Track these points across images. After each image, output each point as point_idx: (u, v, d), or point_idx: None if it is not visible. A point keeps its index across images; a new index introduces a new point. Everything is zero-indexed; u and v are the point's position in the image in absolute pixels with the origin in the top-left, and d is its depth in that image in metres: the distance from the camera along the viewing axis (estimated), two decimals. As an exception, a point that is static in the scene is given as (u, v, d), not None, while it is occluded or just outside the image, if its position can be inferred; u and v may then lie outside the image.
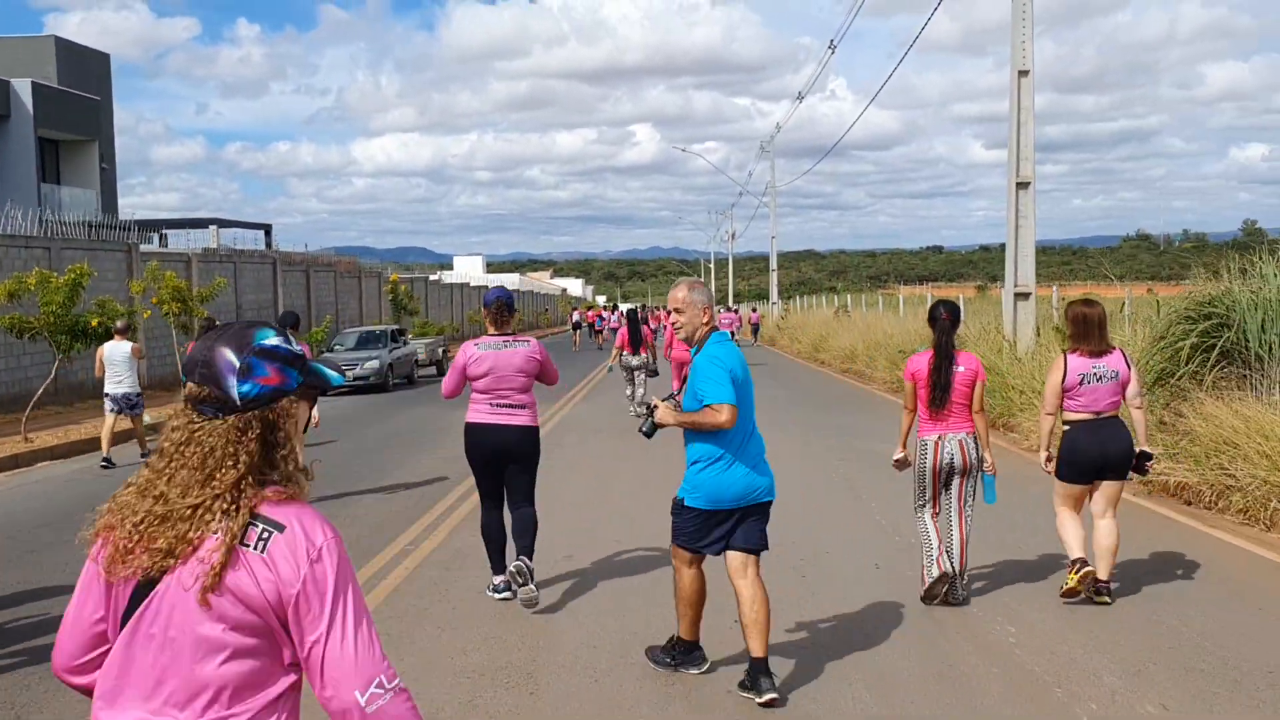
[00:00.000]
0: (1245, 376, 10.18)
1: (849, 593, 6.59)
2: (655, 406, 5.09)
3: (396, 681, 1.83)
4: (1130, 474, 6.56)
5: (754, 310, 52.14)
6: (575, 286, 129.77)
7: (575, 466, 11.88)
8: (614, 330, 35.47)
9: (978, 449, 6.30)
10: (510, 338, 6.53)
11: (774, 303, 54.84)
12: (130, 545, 1.79)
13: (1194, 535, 8.10)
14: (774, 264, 55.37)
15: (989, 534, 7.90)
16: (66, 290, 15.07)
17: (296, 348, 1.93)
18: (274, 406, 1.87)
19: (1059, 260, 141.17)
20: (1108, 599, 6.28)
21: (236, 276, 27.39)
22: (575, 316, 47.05)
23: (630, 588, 6.77)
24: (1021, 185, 16.09)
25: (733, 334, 30.89)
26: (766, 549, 5.08)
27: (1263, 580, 6.93)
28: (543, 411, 16.61)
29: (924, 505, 6.39)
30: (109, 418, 12.96)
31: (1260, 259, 10.93)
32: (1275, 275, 10.66)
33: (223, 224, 40.57)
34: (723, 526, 4.97)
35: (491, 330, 6.56)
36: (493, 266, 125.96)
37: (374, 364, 23.10)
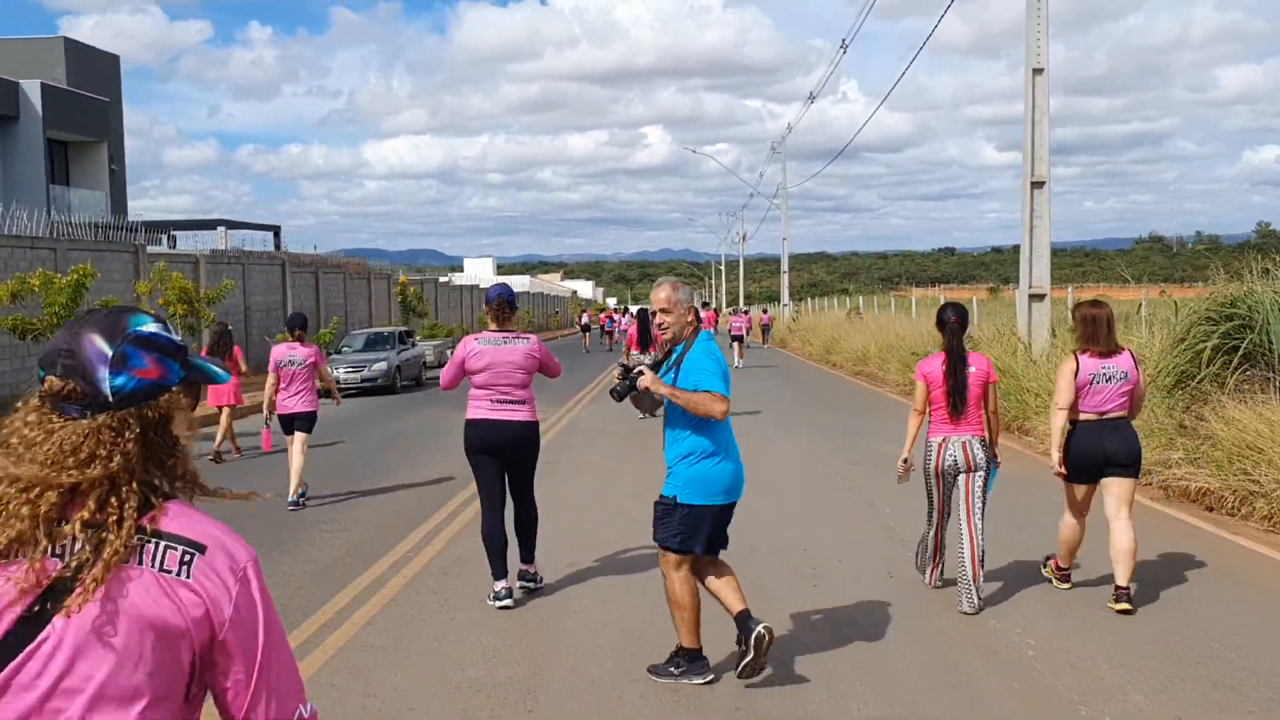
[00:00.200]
0: (1269, 379, 9.92)
1: (861, 602, 6.38)
2: (641, 371, 5.01)
3: (312, 706, 1.65)
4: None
5: (764, 312, 51.94)
6: (586, 289, 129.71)
7: (581, 469, 11.69)
8: (624, 332, 35.38)
9: (984, 450, 6.29)
10: (510, 334, 6.59)
11: (785, 304, 54.62)
12: None
13: (1217, 543, 7.85)
14: (785, 265, 55.14)
15: (999, 536, 7.74)
16: (70, 291, 14.97)
17: (178, 337, 1.68)
18: (155, 403, 1.60)
19: (1071, 262, 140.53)
20: (1128, 605, 6.08)
21: (245, 278, 27.28)
22: (584, 318, 46.88)
23: (633, 596, 6.56)
24: (1036, 185, 15.83)
25: (743, 336, 30.73)
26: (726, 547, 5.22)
27: (1291, 590, 6.70)
28: (549, 414, 16.60)
29: (930, 513, 6.54)
30: None
31: (1284, 259, 10.71)
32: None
33: (231, 225, 40.51)
34: (708, 523, 4.99)
35: (493, 326, 6.65)
36: (503, 268, 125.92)
37: (381, 365, 22.97)
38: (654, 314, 5.12)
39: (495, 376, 6.42)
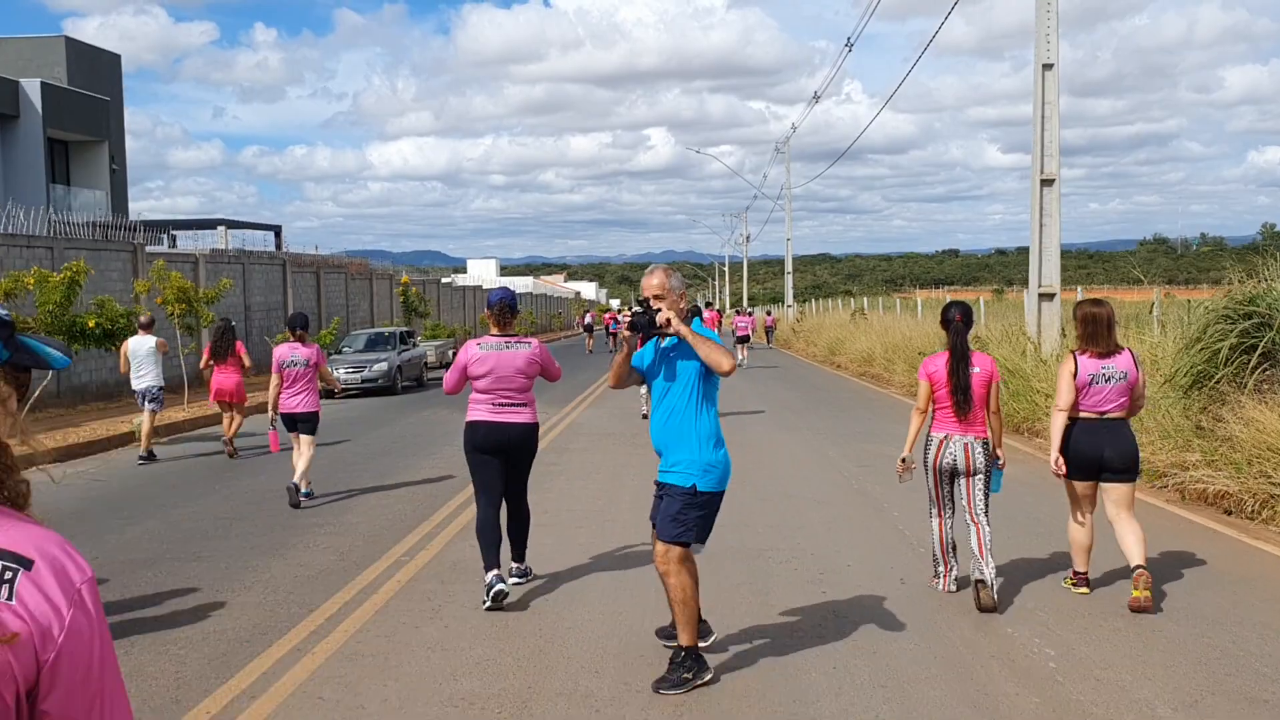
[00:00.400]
0: (1289, 380, 9.65)
1: (872, 608, 6.14)
2: (660, 309, 4.80)
3: None
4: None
5: (768, 313, 51.71)
6: (589, 290, 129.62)
7: (582, 471, 11.43)
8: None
9: (985, 452, 6.24)
10: (512, 338, 6.62)
11: (789, 306, 54.41)
12: None
13: (1239, 548, 7.60)
14: (789, 266, 54.86)
15: (1012, 540, 7.53)
16: (64, 288, 14.76)
17: (3, 312, 1.45)
18: None
19: (1075, 263, 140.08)
20: (1147, 591, 5.94)
21: (245, 278, 27.06)
22: (587, 319, 46.59)
23: (633, 605, 6.31)
24: (1046, 183, 15.58)
25: (748, 336, 30.55)
26: None
27: (1318, 598, 6.44)
28: (551, 415, 16.38)
29: (931, 506, 6.47)
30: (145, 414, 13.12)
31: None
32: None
33: (232, 225, 40.32)
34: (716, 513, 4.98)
35: (494, 330, 6.67)
36: (507, 270, 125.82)
37: (382, 366, 22.74)
38: (646, 301, 4.97)
39: (497, 381, 6.47)
